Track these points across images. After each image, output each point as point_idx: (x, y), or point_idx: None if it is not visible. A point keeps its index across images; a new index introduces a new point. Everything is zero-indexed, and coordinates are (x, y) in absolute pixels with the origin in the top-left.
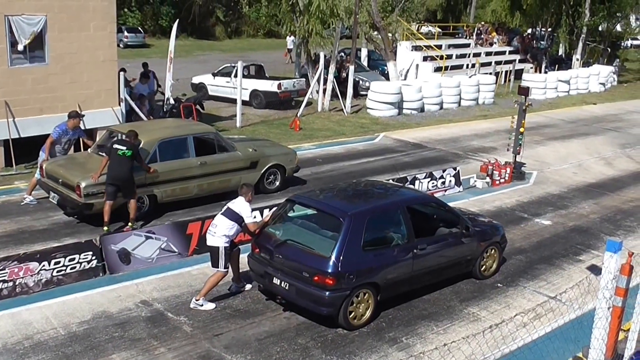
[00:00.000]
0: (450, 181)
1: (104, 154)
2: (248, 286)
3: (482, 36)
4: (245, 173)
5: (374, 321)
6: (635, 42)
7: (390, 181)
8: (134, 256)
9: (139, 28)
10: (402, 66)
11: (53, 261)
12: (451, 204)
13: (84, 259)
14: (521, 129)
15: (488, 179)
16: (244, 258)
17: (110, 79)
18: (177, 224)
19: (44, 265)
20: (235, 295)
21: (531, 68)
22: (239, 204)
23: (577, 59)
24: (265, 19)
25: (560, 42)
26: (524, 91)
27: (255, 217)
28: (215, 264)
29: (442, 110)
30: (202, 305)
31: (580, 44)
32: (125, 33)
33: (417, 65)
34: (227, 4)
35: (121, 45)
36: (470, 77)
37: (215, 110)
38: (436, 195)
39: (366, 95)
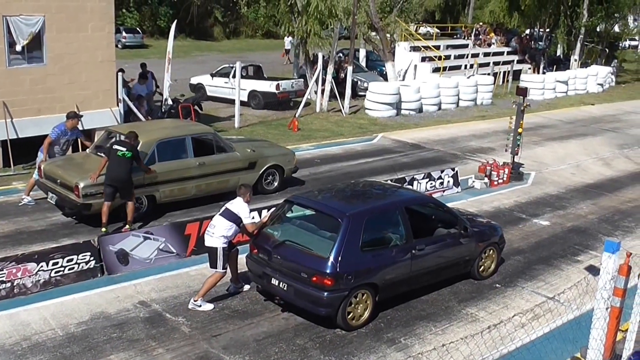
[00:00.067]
0: (448, 182)
1: (102, 155)
2: (246, 287)
3: (481, 37)
4: (244, 174)
5: (373, 322)
6: (633, 43)
7: (389, 182)
8: (132, 257)
9: (137, 28)
10: (400, 67)
11: (51, 262)
12: (449, 205)
13: (82, 259)
14: (519, 130)
15: (486, 180)
16: (242, 259)
17: (108, 79)
18: (175, 225)
19: (42, 266)
20: (234, 296)
21: (529, 69)
22: (238, 205)
23: (575, 60)
24: (264, 20)
25: (558, 43)
26: (522, 92)
27: (253, 217)
28: (213, 265)
29: (441, 111)
30: (200, 305)
31: (578, 45)
32: (124, 33)
33: (416, 66)
34: (225, 4)
35: (119, 46)
36: (468, 77)
37: (214, 110)
38: (434, 195)
39: (364, 95)
